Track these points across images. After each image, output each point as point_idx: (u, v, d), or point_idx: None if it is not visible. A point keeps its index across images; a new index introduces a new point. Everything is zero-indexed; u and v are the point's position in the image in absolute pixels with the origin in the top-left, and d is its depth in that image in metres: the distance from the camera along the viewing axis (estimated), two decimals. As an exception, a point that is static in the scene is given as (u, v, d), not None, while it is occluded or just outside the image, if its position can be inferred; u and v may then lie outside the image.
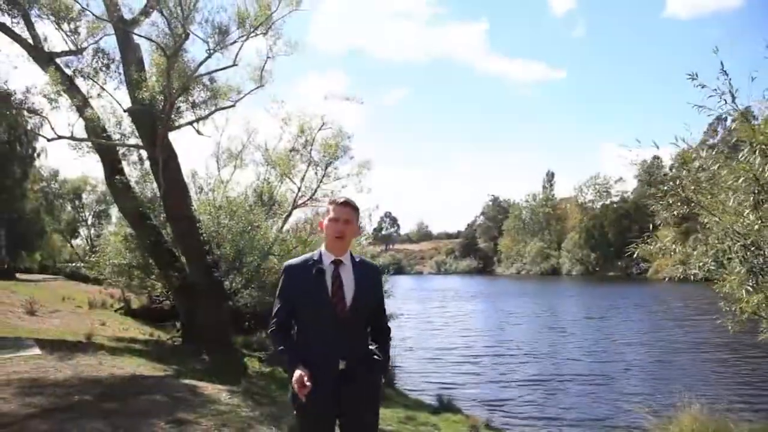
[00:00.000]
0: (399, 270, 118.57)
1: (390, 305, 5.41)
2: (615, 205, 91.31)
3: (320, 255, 3.10)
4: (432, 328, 26.87)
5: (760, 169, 5.17)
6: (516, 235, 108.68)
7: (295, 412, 3.06)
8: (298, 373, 2.79)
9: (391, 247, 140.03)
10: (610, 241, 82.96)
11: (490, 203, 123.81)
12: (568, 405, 12.47)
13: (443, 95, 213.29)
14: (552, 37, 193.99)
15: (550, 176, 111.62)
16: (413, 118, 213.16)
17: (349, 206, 3.10)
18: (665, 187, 5.63)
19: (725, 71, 5.59)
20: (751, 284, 5.08)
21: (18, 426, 5.42)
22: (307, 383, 2.75)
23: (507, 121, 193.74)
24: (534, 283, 73.87)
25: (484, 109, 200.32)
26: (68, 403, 6.33)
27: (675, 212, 5.80)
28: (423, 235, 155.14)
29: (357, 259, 3.17)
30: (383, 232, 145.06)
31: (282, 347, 3.01)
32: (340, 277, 3.02)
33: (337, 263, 3.06)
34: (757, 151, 5.17)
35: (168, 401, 6.83)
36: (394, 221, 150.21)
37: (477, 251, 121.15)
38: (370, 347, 3.15)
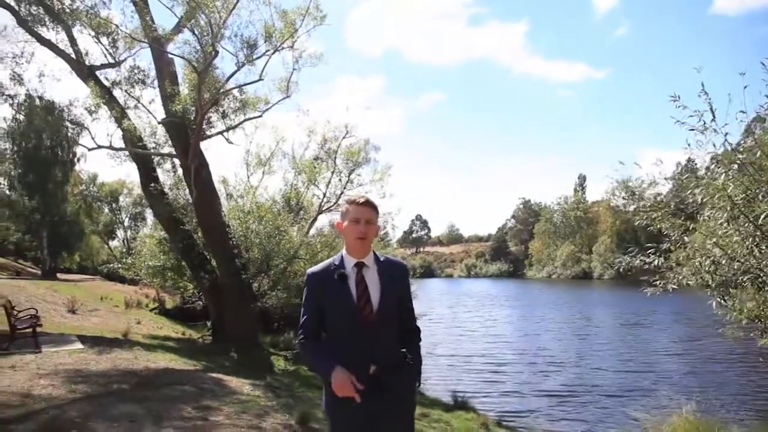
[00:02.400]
0: (429, 273, 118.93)
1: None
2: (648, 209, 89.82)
3: (342, 259, 2.95)
4: (459, 333, 26.91)
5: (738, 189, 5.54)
6: (547, 239, 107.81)
7: (329, 422, 2.93)
8: (340, 376, 2.70)
9: (421, 249, 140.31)
10: (642, 245, 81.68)
11: (521, 206, 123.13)
12: (575, 407, 12.85)
13: (479, 98, 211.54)
14: (594, 37, 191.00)
15: (582, 179, 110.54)
16: (448, 122, 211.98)
17: (369, 206, 2.94)
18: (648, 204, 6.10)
19: (705, 91, 5.96)
20: (722, 295, 5.53)
21: (67, 407, 6.18)
22: (356, 385, 2.69)
23: (543, 124, 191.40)
24: (565, 287, 73.27)
25: (521, 111, 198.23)
26: (108, 390, 7.12)
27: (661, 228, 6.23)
28: (454, 238, 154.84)
29: (382, 259, 3.00)
30: (414, 235, 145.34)
31: (315, 356, 2.91)
32: (364, 281, 2.89)
33: (360, 266, 2.91)
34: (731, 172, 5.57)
35: (195, 391, 7.57)
36: (424, 224, 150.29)
37: (507, 254, 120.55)
38: (402, 350, 2.99)
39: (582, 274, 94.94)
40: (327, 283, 2.89)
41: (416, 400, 3.05)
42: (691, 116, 5.88)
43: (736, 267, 5.42)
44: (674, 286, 5.88)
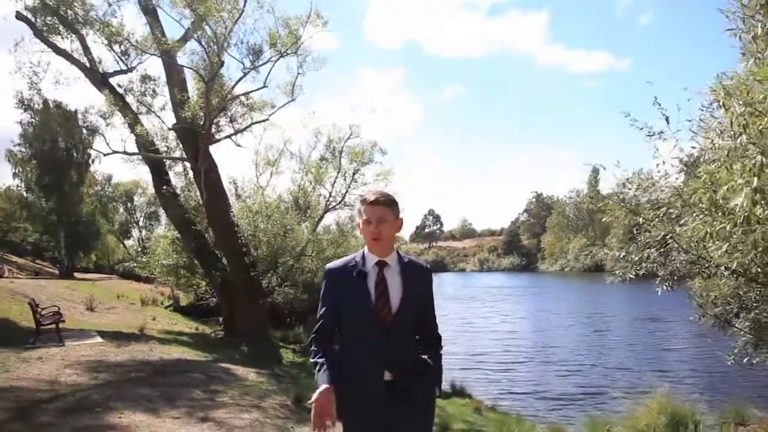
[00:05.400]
0: (442, 267, 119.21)
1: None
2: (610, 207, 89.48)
3: (363, 256, 2.80)
4: (471, 329, 26.72)
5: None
6: (559, 232, 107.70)
7: (342, 426, 2.74)
8: (320, 401, 2.50)
9: (434, 244, 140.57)
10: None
11: (534, 200, 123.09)
12: (567, 392, 13.55)
13: (499, 90, 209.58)
14: (617, 26, 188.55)
15: (596, 172, 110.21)
16: (467, 115, 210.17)
17: (380, 204, 2.74)
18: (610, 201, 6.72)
19: (659, 102, 6.48)
20: (669, 284, 6.16)
21: (90, 391, 6.95)
22: (328, 423, 2.49)
23: (563, 115, 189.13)
24: (577, 280, 73.55)
25: (541, 102, 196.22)
26: (126, 378, 7.89)
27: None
28: (466, 232, 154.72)
29: (405, 260, 2.84)
30: (426, 230, 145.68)
31: (316, 360, 2.69)
32: (384, 281, 2.73)
33: (381, 265, 2.76)
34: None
35: (205, 378, 8.33)
36: (437, 218, 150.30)
37: (520, 248, 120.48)
38: (421, 357, 2.82)
39: (594, 267, 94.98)
40: (345, 281, 2.76)
41: (434, 408, 2.85)
42: (642, 129, 6.29)
43: (684, 257, 6.02)
44: (632, 276, 6.49)
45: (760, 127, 3.50)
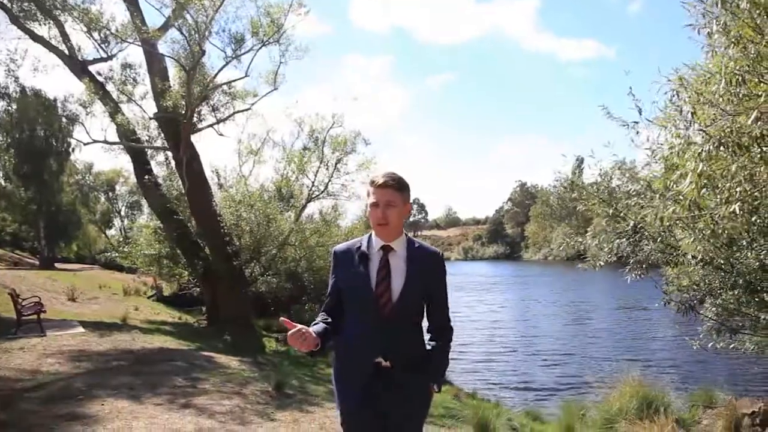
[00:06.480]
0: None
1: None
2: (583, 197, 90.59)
3: (369, 240, 2.71)
4: (455, 318, 27.60)
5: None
6: (543, 221, 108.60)
7: (339, 414, 2.72)
8: (295, 329, 2.44)
9: (419, 233, 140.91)
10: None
11: (518, 189, 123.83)
12: (545, 380, 13.86)
13: (487, 78, 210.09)
14: (606, 14, 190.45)
15: (580, 161, 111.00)
16: (454, 103, 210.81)
17: (389, 187, 2.62)
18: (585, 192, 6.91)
19: (633, 93, 6.64)
20: (638, 272, 6.39)
21: (72, 380, 7.01)
22: (308, 340, 2.44)
23: (550, 104, 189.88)
24: (559, 268, 74.33)
25: (530, 90, 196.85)
26: (108, 367, 7.96)
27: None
28: (451, 221, 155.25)
29: (415, 245, 2.73)
30: (411, 219, 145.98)
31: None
32: (388, 266, 2.63)
33: (386, 250, 2.66)
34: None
35: (187, 366, 8.43)
36: (422, 207, 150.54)
37: (504, 237, 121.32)
38: (427, 348, 2.74)
39: (577, 256, 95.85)
40: (347, 263, 2.68)
41: (430, 402, 2.75)
42: (616, 120, 6.43)
43: (653, 246, 6.23)
44: (602, 264, 6.70)
45: (711, 115, 3.66)
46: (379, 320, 2.56)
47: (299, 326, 2.45)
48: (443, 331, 2.77)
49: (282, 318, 2.49)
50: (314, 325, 2.61)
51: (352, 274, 2.64)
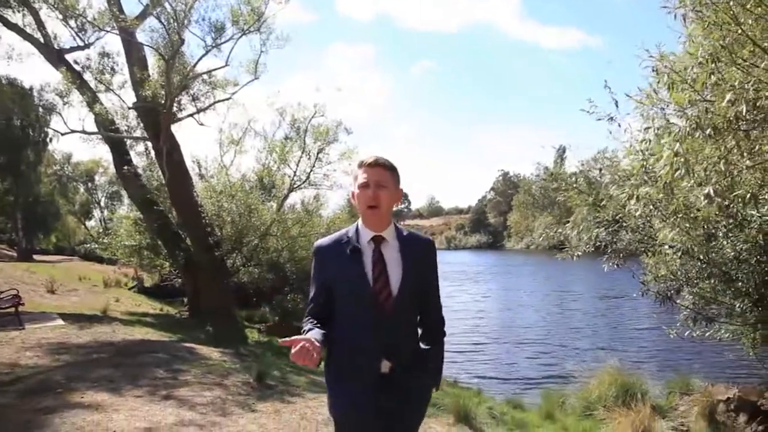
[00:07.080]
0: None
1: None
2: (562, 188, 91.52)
3: (356, 231, 2.50)
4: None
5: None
6: (525, 210, 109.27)
7: (333, 415, 2.57)
8: (302, 337, 2.23)
9: (401, 223, 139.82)
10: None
11: (501, 178, 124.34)
12: (527, 369, 14.02)
13: (470, 66, 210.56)
14: (590, 2, 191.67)
15: (562, 151, 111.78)
16: (437, 92, 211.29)
17: (381, 166, 2.46)
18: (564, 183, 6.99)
19: (608, 86, 6.68)
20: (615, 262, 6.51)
21: (52, 373, 6.94)
22: (312, 352, 2.17)
23: (533, 93, 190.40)
24: (541, 257, 75.03)
25: (513, 79, 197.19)
26: (88, 359, 7.89)
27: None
28: (434, 210, 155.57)
29: (405, 234, 2.56)
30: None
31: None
32: (383, 259, 2.44)
33: (377, 240, 2.47)
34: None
35: (168, 357, 8.38)
36: (404, 197, 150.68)
37: (487, 226, 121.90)
38: (422, 346, 2.60)
39: (558, 245, 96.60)
40: (336, 259, 2.46)
41: (429, 401, 2.65)
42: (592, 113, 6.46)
43: (631, 237, 6.32)
44: (579, 254, 6.80)
45: (687, 97, 3.72)
46: (378, 318, 2.40)
47: (300, 340, 2.19)
48: (439, 326, 2.67)
49: (280, 340, 2.22)
50: (309, 331, 2.36)
51: (345, 270, 2.43)
